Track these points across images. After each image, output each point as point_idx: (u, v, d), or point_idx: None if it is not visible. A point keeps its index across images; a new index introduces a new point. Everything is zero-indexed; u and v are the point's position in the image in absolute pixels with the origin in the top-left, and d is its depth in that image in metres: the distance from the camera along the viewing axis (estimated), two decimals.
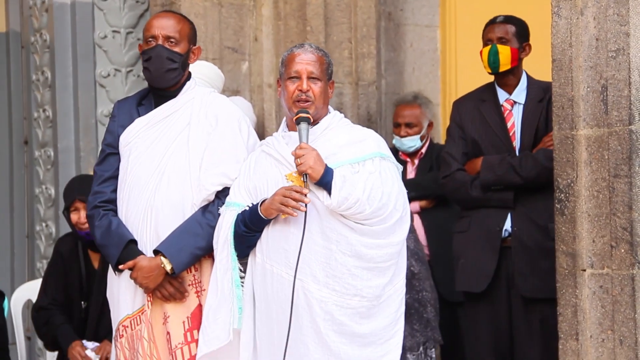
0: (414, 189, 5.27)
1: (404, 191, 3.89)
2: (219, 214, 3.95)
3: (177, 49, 4.05)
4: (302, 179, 3.76)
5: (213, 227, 3.94)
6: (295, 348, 3.76)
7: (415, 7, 6.38)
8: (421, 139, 5.64)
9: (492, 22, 5.07)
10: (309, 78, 3.88)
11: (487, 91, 5.13)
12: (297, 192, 3.75)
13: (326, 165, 3.78)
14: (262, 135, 5.80)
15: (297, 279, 3.74)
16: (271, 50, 6.03)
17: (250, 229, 3.84)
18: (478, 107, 5.07)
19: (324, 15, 5.94)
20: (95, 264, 5.15)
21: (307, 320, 3.77)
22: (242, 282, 3.88)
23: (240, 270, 3.89)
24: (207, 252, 3.99)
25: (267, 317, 3.84)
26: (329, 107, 4.01)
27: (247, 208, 3.86)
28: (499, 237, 4.93)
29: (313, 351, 3.77)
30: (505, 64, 4.99)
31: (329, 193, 3.76)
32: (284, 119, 4.03)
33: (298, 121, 3.85)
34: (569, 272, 4.15)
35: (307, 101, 3.87)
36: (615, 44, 4.00)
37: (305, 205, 3.72)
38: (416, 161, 5.67)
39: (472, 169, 5.02)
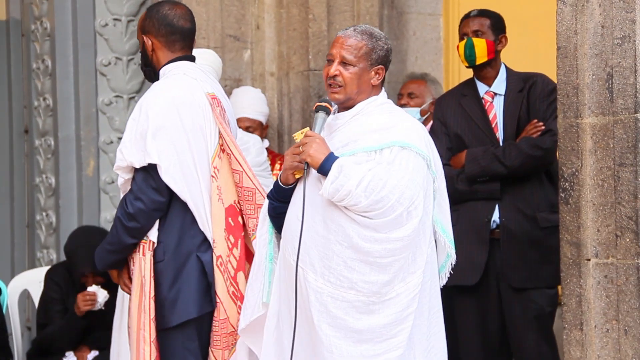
0: None
1: (415, 184, 3.70)
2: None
3: (141, 49, 4.11)
4: (303, 166, 3.72)
5: (114, 220, 3.95)
6: (301, 334, 3.71)
7: None
8: (422, 113, 5.56)
9: (466, 17, 5.09)
10: (341, 63, 3.80)
11: (468, 86, 5.13)
12: (298, 146, 3.74)
13: (331, 153, 3.71)
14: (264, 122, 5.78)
15: (300, 267, 3.70)
16: (273, 38, 5.99)
17: (273, 196, 3.84)
18: (459, 102, 5.08)
19: (326, 3, 5.91)
20: None
21: (306, 310, 3.72)
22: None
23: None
24: (117, 246, 3.95)
25: (284, 299, 3.81)
26: (383, 91, 3.89)
27: None
28: (487, 229, 4.91)
29: (311, 341, 3.71)
30: (481, 57, 4.99)
31: None
32: None
33: (317, 109, 3.80)
34: (573, 261, 4.12)
35: (338, 86, 3.80)
36: (621, 31, 3.96)
37: (303, 197, 3.67)
38: None
39: (457, 163, 5.01)
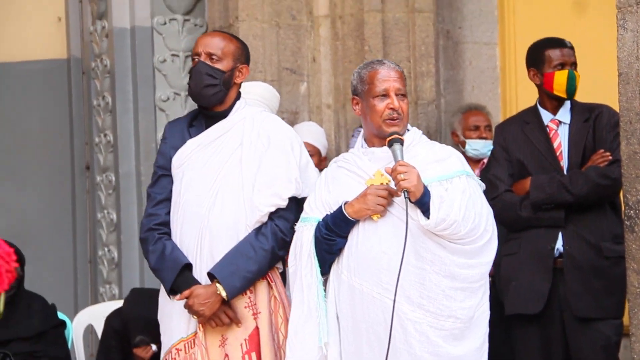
0: None
1: (491, 210, 3.85)
2: (281, 234, 3.95)
3: (218, 66, 4.02)
4: (402, 195, 3.69)
5: (265, 250, 3.92)
6: None
7: (474, 25, 6.33)
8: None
9: (562, 45, 4.99)
10: (397, 95, 3.85)
11: (530, 113, 5.07)
12: (387, 190, 3.75)
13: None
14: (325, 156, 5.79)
15: (389, 299, 3.69)
16: (329, 70, 6.01)
17: (333, 232, 3.80)
18: (522, 129, 5.01)
19: (382, 34, 5.91)
20: None
21: (400, 342, 3.71)
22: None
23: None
24: (259, 276, 3.96)
25: (355, 336, 3.78)
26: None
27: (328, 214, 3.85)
28: (551, 257, 4.85)
29: None
30: (576, 90, 4.95)
31: (424, 212, 3.71)
32: (361, 135, 3.98)
33: (391, 143, 3.79)
34: None
35: (398, 118, 3.83)
36: None
37: (406, 227, 3.67)
38: (477, 171, 5.59)
39: (520, 189, 4.94)
